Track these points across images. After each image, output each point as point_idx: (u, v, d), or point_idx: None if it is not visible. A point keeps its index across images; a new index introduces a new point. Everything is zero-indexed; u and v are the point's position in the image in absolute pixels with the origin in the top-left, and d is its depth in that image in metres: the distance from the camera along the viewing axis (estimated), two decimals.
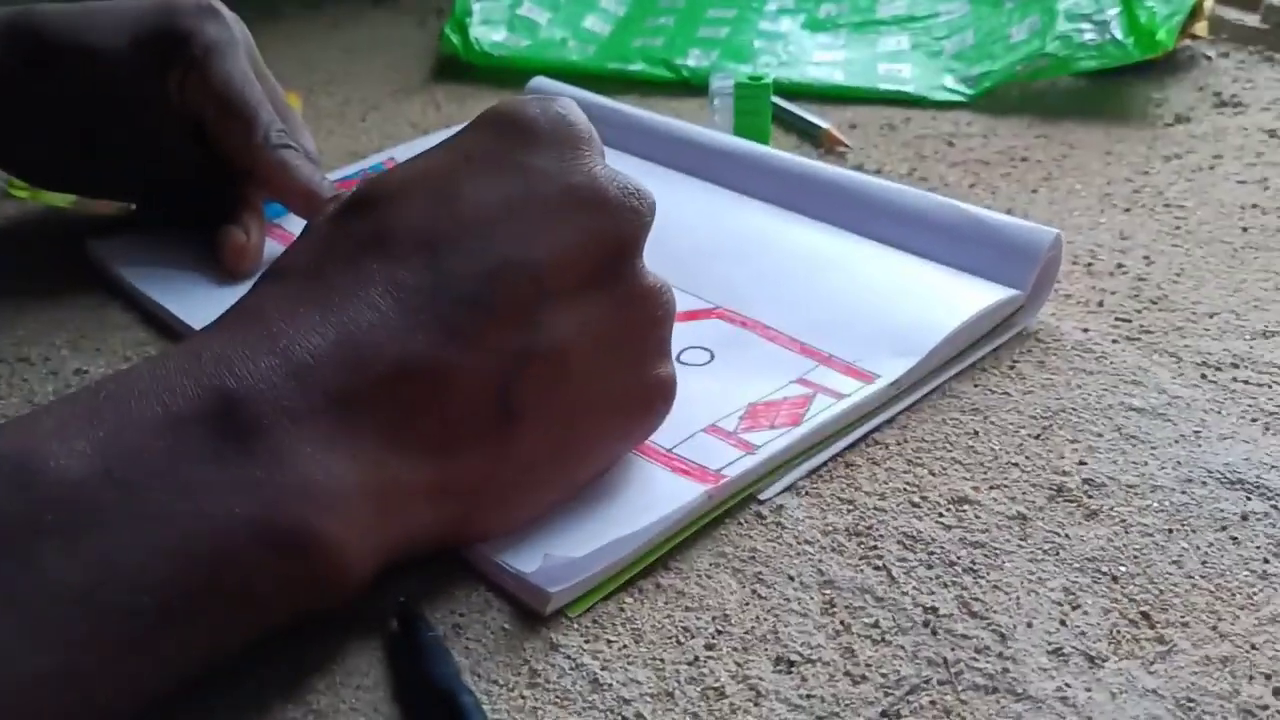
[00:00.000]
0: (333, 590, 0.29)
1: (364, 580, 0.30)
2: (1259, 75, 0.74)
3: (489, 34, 0.81)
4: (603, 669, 0.31)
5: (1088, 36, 0.70)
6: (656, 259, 0.48)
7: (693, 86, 0.76)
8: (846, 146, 0.66)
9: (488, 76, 0.79)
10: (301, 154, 0.51)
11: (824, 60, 0.78)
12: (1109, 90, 0.72)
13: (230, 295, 0.33)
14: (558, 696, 0.30)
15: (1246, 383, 0.42)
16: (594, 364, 0.33)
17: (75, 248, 0.54)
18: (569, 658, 0.31)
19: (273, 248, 0.53)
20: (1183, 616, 0.32)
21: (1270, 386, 0.42)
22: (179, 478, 0.27)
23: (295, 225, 0.55)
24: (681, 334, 0.44)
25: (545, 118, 0.34)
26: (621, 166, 0.35)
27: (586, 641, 0.32)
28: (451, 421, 0.31)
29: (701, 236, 0.50)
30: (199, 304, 0.48)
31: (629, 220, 0.34)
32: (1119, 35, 0.69)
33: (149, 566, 0.26)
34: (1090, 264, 0.52)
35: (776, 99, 0.67)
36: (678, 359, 0.43)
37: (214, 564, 0.27)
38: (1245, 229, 0.54)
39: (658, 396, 0.36)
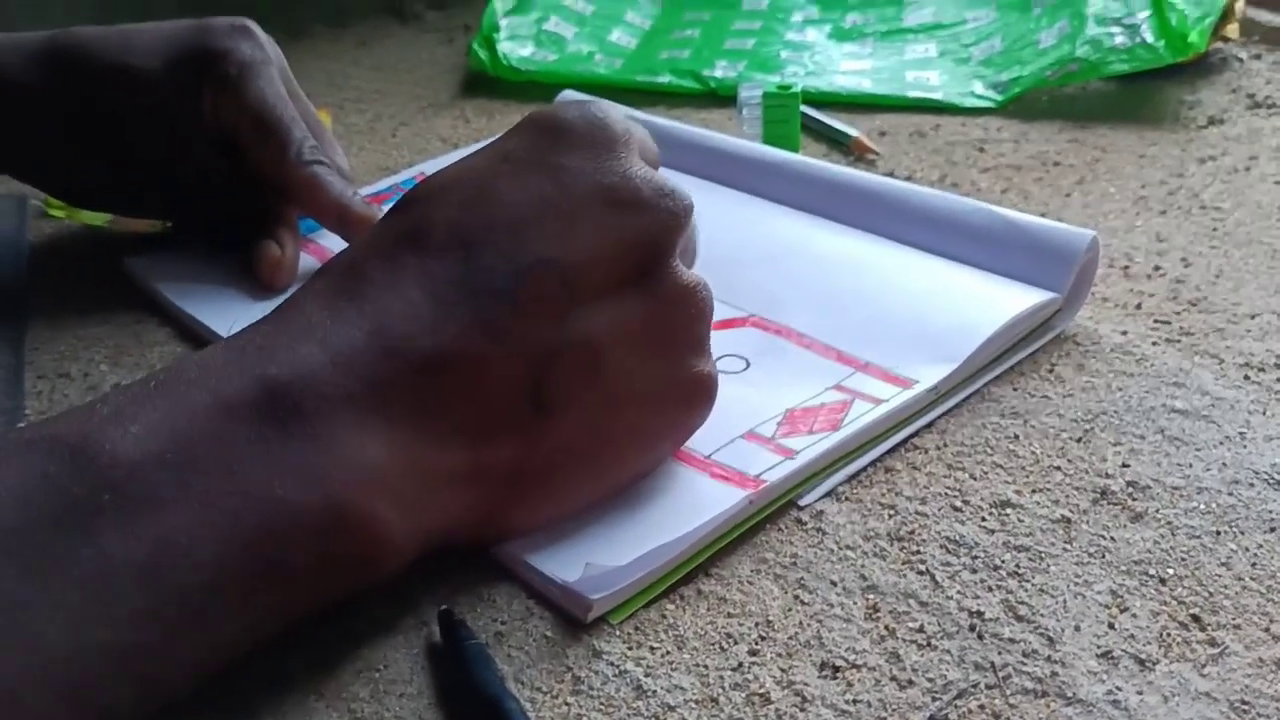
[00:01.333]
0: (374, 567, 0.30)
1: (404, 558, 0.31)
2: None
3: (516, 49, 0.82)
4: (646, 675, 0.31)
5: (1118, 40, 0.70)
6: (693, 269, 0.49)
7: (720, 97, 0.76)
8: (876, 154, 0.65)
9: (516, 91, 0.79)
10: (333, 170, 0.51)
11: (851, 69, 0.78)
12: (1140, 94, 0.71)
13: (265, 309, 0.33)
14: (602, 703, 0.30)
15: None
16: (628, 361, 0.33)
17: (112, 265, 0.55)
18: (612, 664, 0.31)
19: (307, 262, 0.54)
20: (1234, 619, 0.32)
21: None
22: (226, 461, 0.28)
23: (329, 240, 0.55)
24: (716, 342, 0.43)
25: (582, 120, 0.35)
26: None
27: (629, 648, 0.32)
28: (483, 411, 0.32)
29: (733, 245, 0.50)
30: (235, 318, 0.48)
31: (663, 220, 0.34)
32: (1149, 38, 0.69)
33: (201, 546, 0.27)
34: (1127, 266, 0.51)
35: (805, 108, 0.67)
36: None
37: (260, 543, 0.28)
38: None
39: (698, 394, 0.36)
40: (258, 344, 0.30)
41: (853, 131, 0.67)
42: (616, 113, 0.36)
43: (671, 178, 0.35)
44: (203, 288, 0.52)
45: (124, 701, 0.26)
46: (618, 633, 0.32)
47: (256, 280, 0.51)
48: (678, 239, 0.35)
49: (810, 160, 0.55)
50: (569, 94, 0.68)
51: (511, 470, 0.33)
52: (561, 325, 0.32)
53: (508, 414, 0.32)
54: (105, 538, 0.26)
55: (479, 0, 0.85)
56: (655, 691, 0.30)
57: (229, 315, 0.49)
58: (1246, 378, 0.42)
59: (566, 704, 0.30)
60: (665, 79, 0.79)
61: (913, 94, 0.74)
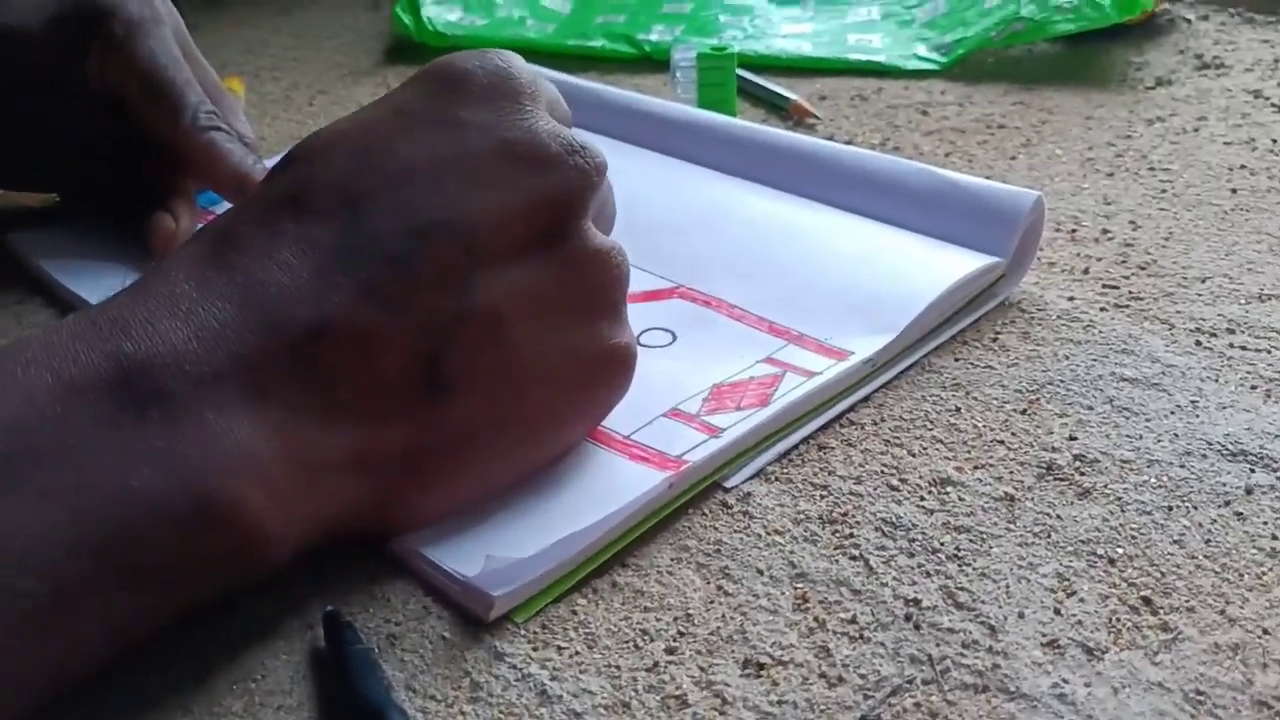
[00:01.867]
0: (248, 564, 0.27)
1: (283, 554, 0.28)
2: (1240, 37, 0.71)
3: (443, 14, 0.78)
4: (552, 679, 0.28)
5: None
6: (615, 236, 0.46)
7: (655, 62, 0.73)
8: (816, 118, 0.63)
9: None
10: (234, 137, 0.48)
11: (791, 33, 0.75)
12: (1087, 55, 0.69)
13: None
14: (502, 711, 0.27)
15: (1244, 349, 0.40)
16: (536, 333, 0.30)
17: None
18: (515, 668, 0.28)
19: None
20: (1187, 601, 0.29)
21: (1269, 352, 0.39)
22: (70, 448, 0.25)
23: None
24: (641, 315, 0.41)
25: (483, 70, 0.32)
26: None
27: (534, 649, 0.29)
28: (373, 389, 0.29)
29: (660, 212, 0.47)
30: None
31: (572, 178, 0.31)
32: None
33: (37, 546, 0.24)
34: (1074, 230, 0.49)
35: (742, 71, 0.64)
36: (637, 341, 0.40)
37: (110, 540, 0.25)
38: (1234, 190, 0.52)
39: (614, 366, 0.33)
40: (111, 317, 0.27)
41: (792, 95, 0.64)
42: (520, 63, 0.33)
43: (583, 135, 0.32)
44: (91, 264, 0.48)
45: None
46: (522, 632, 0.29)
47: (149, 255, 0.48)
48: (589, 199, 0.32)
49: (743, 123, 0.52)
50: None
51: (405, 455, 0.30)
52: (460, 294, 0.29)
53: (399, 393, 0.29)
54: None
55: None
56: (561, 696, 0.27)
57: None
58: (1198, 343, 0.40)
59: (463, 713, 0.27)
60: (599, 44, 0.76)
61: (854, 57, 0.71)
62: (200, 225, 0.50)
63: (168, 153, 0.48)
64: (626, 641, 0.29)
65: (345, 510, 0.29)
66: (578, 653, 0.29)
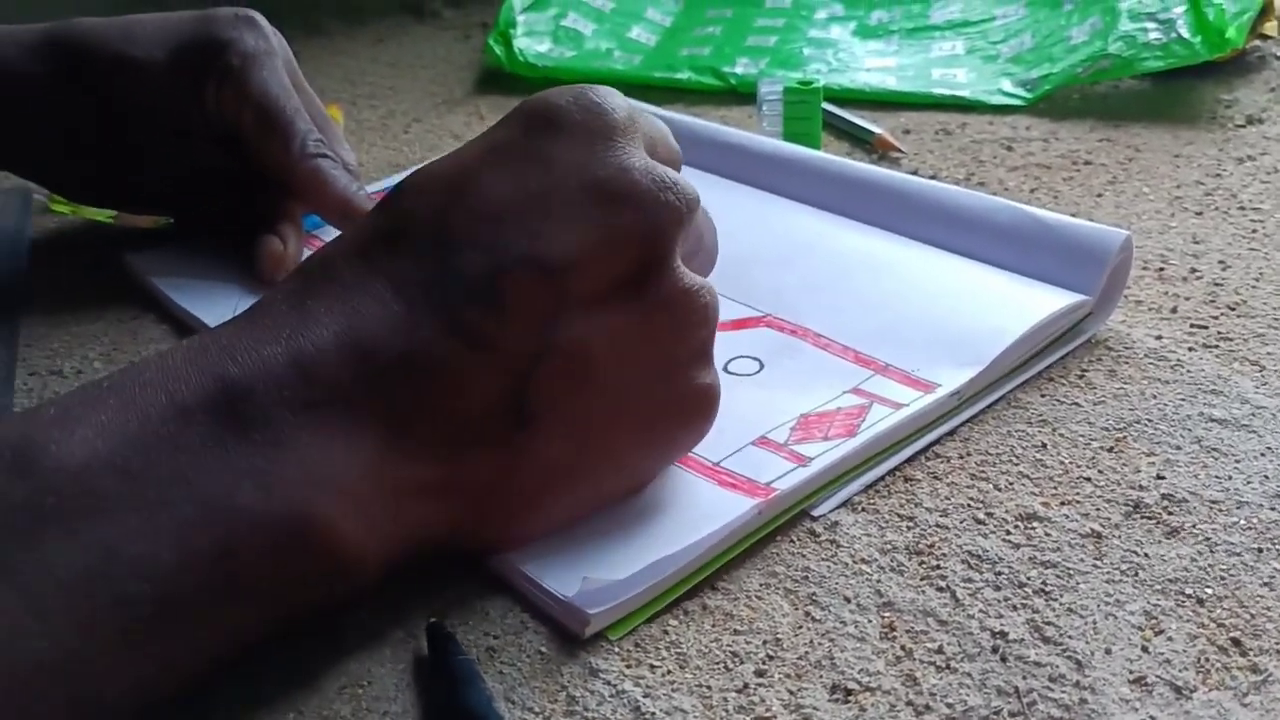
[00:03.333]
0: (338, 583, 0.28)
1: (372, 572, 0.29)
2: None
3: (533, 45, 0.80)
4: (645, 696, 0.29)
5: (1152, 36, 0.68)
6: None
7: (740, 95, 0.74)
8: (900, 152, 0.63)
9: (531, 89, 0.77)
10: (338, 164, 0.50)
11: (876, 66, 0.76)
12: (1175, 92, 0.69)
13: None
14: None
15: None
16: (622, 370, 0.31)
17: (113, 261, 0.54)
18: (609, 684, 0.29)
19: None
20: (1277, 643, 0.29)
21: None
22: (180, 465, 0.26)
23: (334, 236, 0.53)
24: (730, 343, 0.42)
25: (576, 106, 0.32)
26: None
27: (628, 666, 0.30)
28: (457, 423, 0.30)
29: (749, 243, 0.48)
30: (233, 315, 0.47)
31: (661, 216, 0.31)
32: (1185, 34, 0.67)
33: (149, 554, 0.25)
34: (1162, 269, 0.49)
35: (827, 105, 0.65)
36: (725, 369, 0.41)
37: (213, 553, 0.26)
38: None
39: (698, 408, 0.33)
40: (221, 344, 0.28)
41: (876, 129, 0.65)
42: (617, 100, 0.33)
43: (677, 172, 0.33)
44: (202, 283, 0.50)
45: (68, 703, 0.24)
46: (616, 650, 0.30)
47: (257, 277, 0.50)
48: (678, 237, 0.32)
49: (831, 157, 0.53)
50: None
51: (489, 485, 0.31)
52: (546, 330, 0.30)
53: (485, 426, 0.30)
54: (47, 545, 0.24)
55: None
56: (654, 713, 0.28)
57: (226, 312, 0.47)
58: None
59: None
60: (684, 76, 0.77)
61: (939, 91, 0.71)
62: (306, 249, 0.53)
63: (276, 178, 0.50)
64: (717, 663, 0.30)
65: (432, 535, 0.31)
66: (670, 672, 0.30)
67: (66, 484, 0.25)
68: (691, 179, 0.33)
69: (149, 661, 0.26)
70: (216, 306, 0.48)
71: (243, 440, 0.27)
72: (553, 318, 0.30)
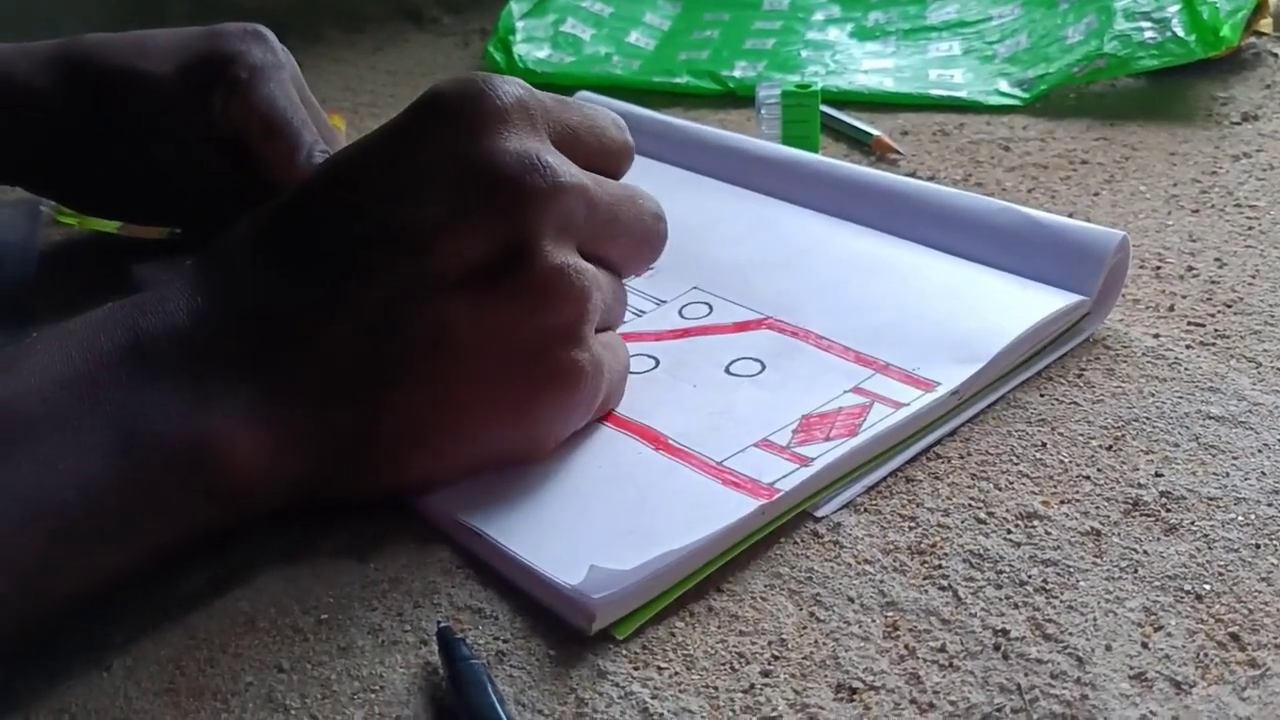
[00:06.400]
0: (233, 503, 0.32)
1: (260, 503, 0.33)
2: None
3: (533, 51, 0.81)
4: (653, 697, 0.29)
5: (1148, 35, 0.68)
6: (704, 271, 0.47)
7: (739, 98, 0.75)
8: (898, 153, 0.64)
9: None
10: None
11: (873, 68, 0.76)
12: (1170, 90, 0.69)
13: None
14: None
15: None
16: (482, 340, 0.33)
17: (120, 272, 0.54)
18: (617, 685, 0.30)
19: None
20: (1275, 638, 0.30)
21: None
22: (99, 399, 0.31)
23: None
24: (731, 345, 0.43)
25: (457, 93, 0.34)
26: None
27: (636, 668, 0.30)
28: (324, 378, 0.33)
29: (749, 247, 0.49)
30: None
31: (524, 198, 0.33)
32: (1180, 32, 0.67)
33: (76, 469, 0.30)
34: (1159, 267, 0.49)
35: (825, 107, 0.66)
36: (727, 370, 0.41)
37: (131, 468, 0.30)
38: None
39: (564, 383, 0.35)
40: (136, 301, 0.33)
41: (874, 131, 0.65)
42: (510, 87, 0.35)
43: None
44: None
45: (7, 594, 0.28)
46: (624, 651, 0.31)
47: None
48: (545, 217, 0.34)
49: (829, 160, 0.54)
50: (584, 95, 0.66)
51: (356, 436, 0.34)
52: (404, 299, 0.33)
53: (348, 382, 0.33)
54: None
55: (496, 4, 0.84)
56: (662, 714, 0.29)
57: None
58: None
59: None
60: (683, 80, 0.77)
61: (936, 93, 0.72)
62: None
63: (283, 188, 0.51)
64: (723, 663, 0.30)
65: (310, 480, 0.34)
66: (677, 673, 0.30)
67: (2, 414, 0.30)
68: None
69: (80, 559, 0.30)
70: None
71: (151, 380, 0.31)
72: (411, 288, 0.33)
